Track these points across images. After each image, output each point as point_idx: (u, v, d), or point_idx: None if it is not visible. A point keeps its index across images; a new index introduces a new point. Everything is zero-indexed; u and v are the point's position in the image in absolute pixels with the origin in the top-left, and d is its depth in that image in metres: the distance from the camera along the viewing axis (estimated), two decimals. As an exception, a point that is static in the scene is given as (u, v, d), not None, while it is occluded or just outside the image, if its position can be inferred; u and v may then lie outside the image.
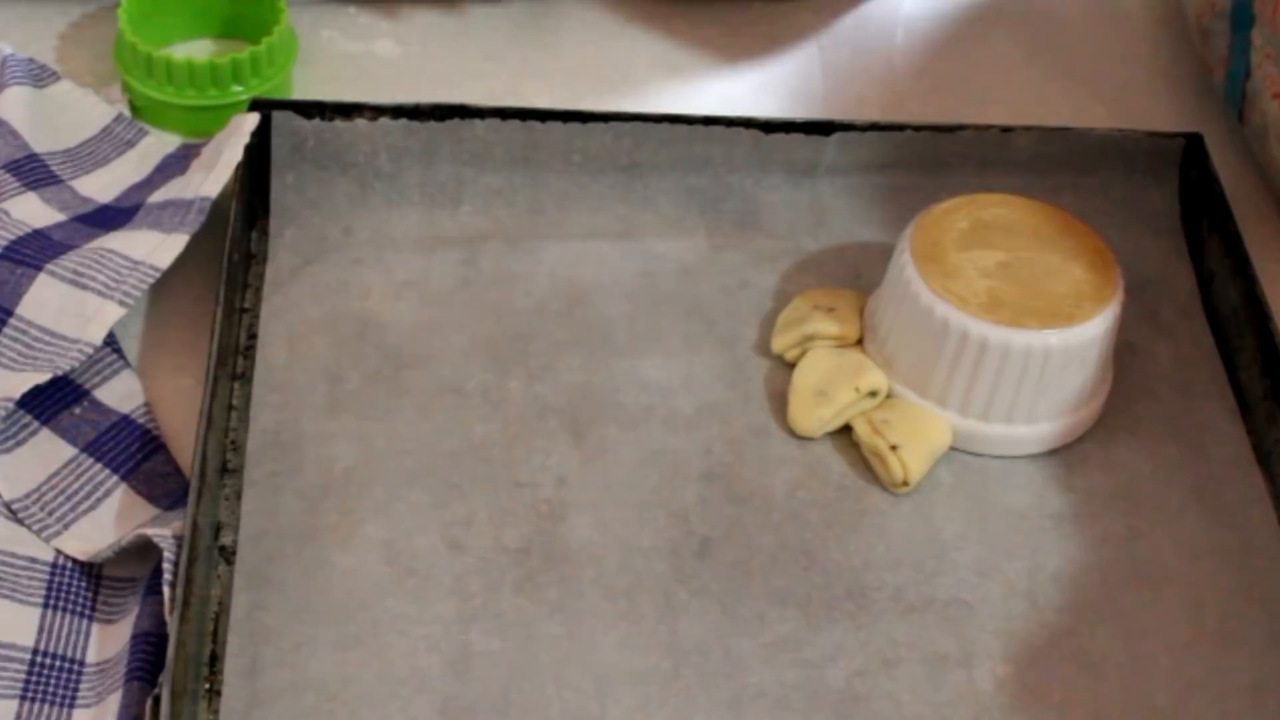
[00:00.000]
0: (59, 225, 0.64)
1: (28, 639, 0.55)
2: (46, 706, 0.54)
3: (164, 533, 0.55)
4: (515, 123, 0.69)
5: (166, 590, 0.54)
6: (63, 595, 0.56)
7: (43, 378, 0.59)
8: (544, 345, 0.65)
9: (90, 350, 0.60)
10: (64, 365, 0.59)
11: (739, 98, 0.77)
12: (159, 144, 0.71)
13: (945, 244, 0.64)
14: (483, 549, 0.59)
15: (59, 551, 0.57)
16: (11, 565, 0.57)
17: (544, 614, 0.57)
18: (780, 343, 0.65)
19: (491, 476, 0.61)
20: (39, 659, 0.55)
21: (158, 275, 0.62)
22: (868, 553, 0.60)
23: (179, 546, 0.54)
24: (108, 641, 0.56)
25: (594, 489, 0.61)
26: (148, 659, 0.54)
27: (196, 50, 0.75)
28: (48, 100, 0.70)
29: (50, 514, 0.58)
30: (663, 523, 0.60)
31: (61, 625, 0.56)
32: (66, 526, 0.58)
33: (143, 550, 0.56)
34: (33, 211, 0.65)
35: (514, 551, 0.59)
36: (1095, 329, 0.62)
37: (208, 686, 0.54)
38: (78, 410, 0.61)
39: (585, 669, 0.56)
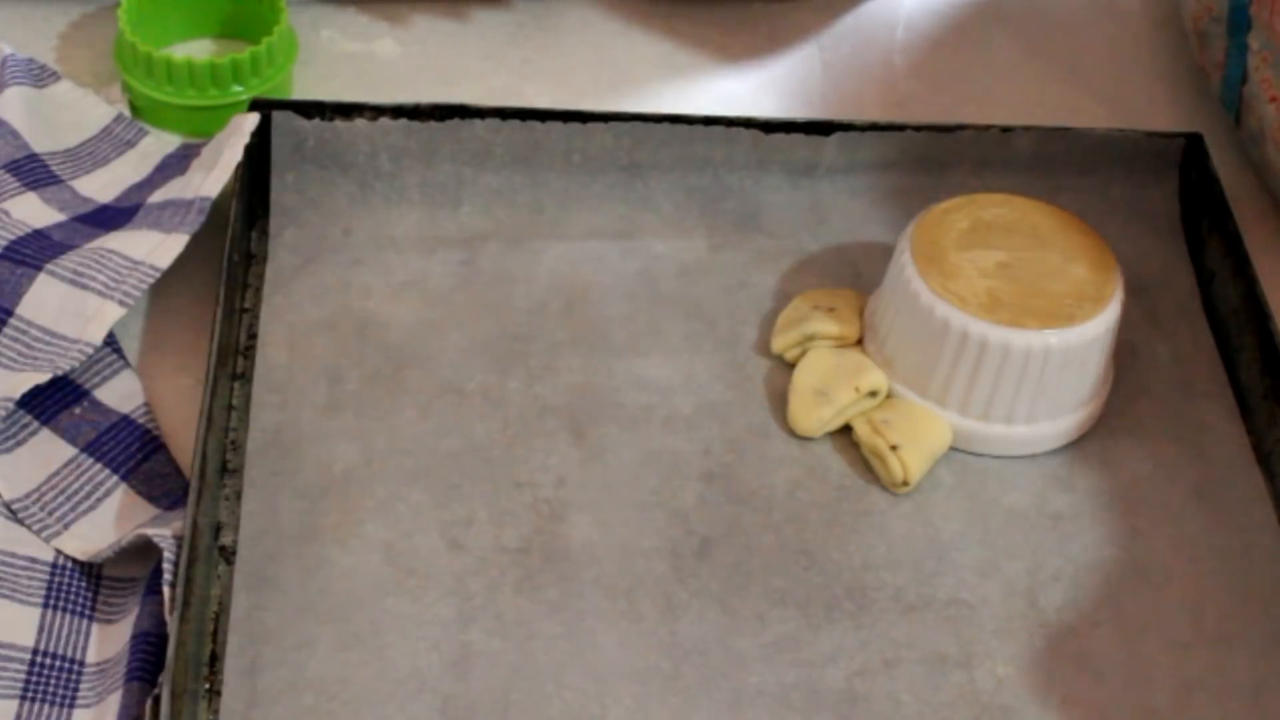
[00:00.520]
0: (59, 225, 0.64)
1: (28, 639, 0.55)
2: (46, 706, 0.54)
3: (164, 533, 0.55)
4: (515, 123, 0.69)
5: (166, 590, 0.54)
6: (63, 595, 0.56)
7: (43, 378, 0.59)
8: (544, 345, 0.65)
9: (90, 350, 0.60)
10: (64, 365, 0.59)
11: (739, 97, 0.77)
12: (159, 144, 0.71)
13: (945, 244, 0.64)
14: (483, 549, 0.59)
15: (59, 551, 0.57)
16: (11, 565, 0.57)
17: (544, 614, 0.57)
18: (780, 343, 0.65)
19: (491, 476, 0.61)
20: (39, 659, 0.55)
21: (158, 275, 0.62)
22: (868, 553, 0.60)
23: (179, 546, 0.54)
24: (108, 641, 0.56)
25: (594, 489, 0.61)
26: (148, 659, 0.54)
27: (196, 50, 0.75)
28: (48, 100, 0.70)
29: (50, 514, 0.58)
30: (663, 523, 0.60)
31: (61, 625, 0.56)
32: (66, 526, 0.58)
33: (143, 550, 0.56)
34: (33, 211, 0.65)
35: (514, 551, 0.59)
36: (1095, 329, 0.62)
37: (208, 686, 0.54)
38: (78, 410, 0.61)
39: (585, 669, 0.56)
